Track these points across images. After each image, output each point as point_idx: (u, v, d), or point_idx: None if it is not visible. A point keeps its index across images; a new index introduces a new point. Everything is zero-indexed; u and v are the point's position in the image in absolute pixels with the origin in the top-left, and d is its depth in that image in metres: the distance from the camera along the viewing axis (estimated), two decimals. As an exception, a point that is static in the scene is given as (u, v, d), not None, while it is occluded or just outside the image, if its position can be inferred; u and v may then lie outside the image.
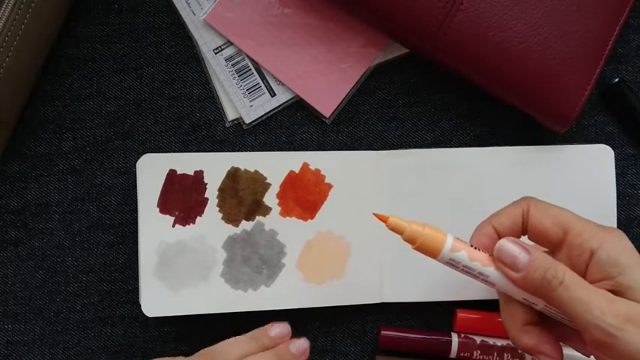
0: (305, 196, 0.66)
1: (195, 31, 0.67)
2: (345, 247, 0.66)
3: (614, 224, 0.66)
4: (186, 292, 0.64)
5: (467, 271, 0.55)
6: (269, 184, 0.66)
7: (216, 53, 0.67)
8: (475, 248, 0.55)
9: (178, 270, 0.65)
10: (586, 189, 0.66)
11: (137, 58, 0.68)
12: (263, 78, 0.67)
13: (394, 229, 0.55)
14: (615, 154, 0.66)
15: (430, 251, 0.55)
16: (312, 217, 0.66)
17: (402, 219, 0.55)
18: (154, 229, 0.65)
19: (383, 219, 0.56)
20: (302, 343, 0.60)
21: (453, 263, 0.55)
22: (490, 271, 0.54)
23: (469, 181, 0.66)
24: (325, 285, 0.65)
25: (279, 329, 0.60)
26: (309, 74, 0.67)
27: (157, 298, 0.64)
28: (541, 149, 0.66)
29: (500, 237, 0.56)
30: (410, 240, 0.55)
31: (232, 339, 0.59)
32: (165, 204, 0.65)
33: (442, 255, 0.54)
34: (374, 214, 0.56)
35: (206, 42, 0.67)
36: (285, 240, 0.65)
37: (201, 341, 0.66)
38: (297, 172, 0.66)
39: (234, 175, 0.65)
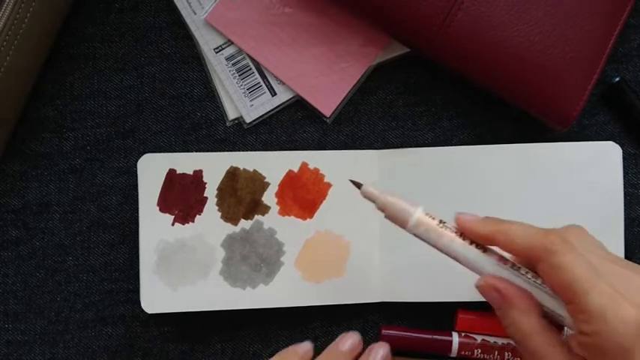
0: (304, 195, 0.66)
1: (195, 30, 0.67)
2: (344, 246, 0.66)
3: (621, 222, 0.65)
4: (186, 289, 0.65)
5: (434, 244, 0.55)
6: (268, 184, 0.66)
7: (216, 52, 0.67)
8: (442, 226, 0.54)
9: (178, 268, 0.65)
10: (592, 187, 0.65)
11: (138, 58, 0.68)
12: (263, 77, 0.68)
13: (367, 197, 0.56)
14: (616, 153, 0.66)
15: (399, 222, 0.55)
16: (310, 216, 0.66)
17: (375, 188, 0.56)
18: (154, 227, 0.65)
19: (357, 185, 0.57)
20: (378, 352, 0.58)
21: (421, 237, 0.55)
22: (457, 246, 0.54)
23: (471, 179, 0.66)
24: (324, 284, 0.66)
25: (348, 342, 0.58)
26: (310, 73, 0.67)
27: (157, 295, 0.65)
28: (546, 146, 0.66)
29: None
30: (381, 209, 0.55)
31: None
32: (165, 203, 0.65)
33: (409, 227, 0.54)
34: (349, 180, 0.57)
35: (207, 41, 0.67)
36: (283, 239, 0.66)
37: (201, 341, 0.67)
38: (295, 171, 0.66)
39: (233, 174, 0.66)
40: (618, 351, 0.46)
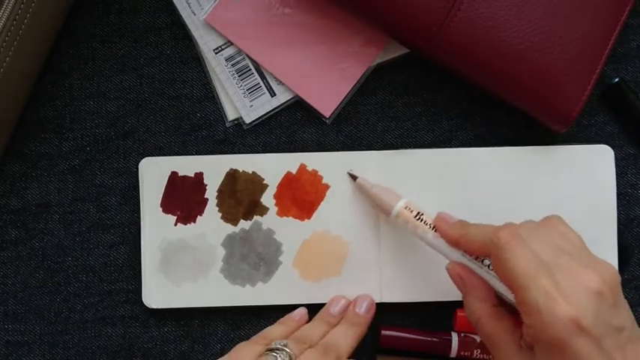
0: (302, 196, 0.66)
1: (195, 31, 0.67)
2: (342, 247, 0.66)
3: (614, 224, 0.66)
4: (187, 286, 0.66)
5: (411, 233, 0.62)
6: (266, 185, 0.66)
7: (216, 53, 0.67)
8: (420, 218, 0.61)
9: (180, 266, 0.66)
10: (586, 189, 0.66)
11: (137, 58, 0.68)
12: (263, 78, 0.68)
13: (360, 189, 0.66)
14: (615, 154, 0.66)
15: (384, 212, 0.64)
16: (309, 217, 0.66)
17: (369, 181, 0.65)
18: (157, 227, 0.66)
19: (353, 177, 0.66)
20: (364, 302, 0.65)
21: (401, 226, 0.63)
22: (430, 238, 0.61)
23: (469, 181, 0.66)
24: (322, 283, 0.66)
25: (338, 305, 0.65)
26: (310, 74, 0.67)
27: (159, 292, 0.66)
28: (541, 149, 0.66)
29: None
30: (371, 199, 0.65)
31: (304, 327, 0.63)
32: (168, 204, 0.66)
33: (391, 217, 0.63)
34: (347, 172, 0.66)
35: (206, 42, 0.67)
36: (281, 239, 0.66)
37: (201, 341, 0.67)
38: (294, 173, 0.66)
39: (232, 176, 0.66)
40: (554, 343, 0.49)
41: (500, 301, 0.57)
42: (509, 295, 0.55)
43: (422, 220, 0.61)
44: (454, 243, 0.59)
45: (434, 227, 0.61)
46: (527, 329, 0.51)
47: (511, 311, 0.56)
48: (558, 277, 0.50)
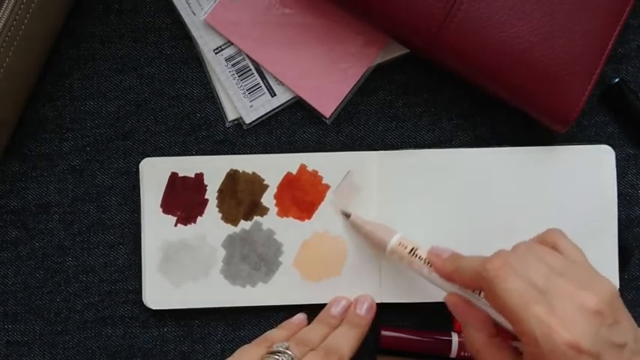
0: (302, 196, 0.66)
1: (195, 31, 0.67)
2: (342, 247, 0.66)
3: (615, 225, 0.66)
4: (188, 287, 0.66)
5: (407, 268, 0.63)
6: (266, 186, 0.66)
7: (216, 53, 0.67)
8: (414, 254, 0.61)
9: (180, 266, 0.66)
10: (587, 189, 0.66)
11: (137, 58, 0.68)
12: (263, 78, 0.68)
13: (353, 227, 0.66)
14: (615, 154, 0.66)
15: (379, 249, 0.64)
16: (309, 218, 0.66)
17: (362, 218, 0.65)
18: (157, 228, 0.66)
19: (347, 215, 0.66)
20: (364, 303, 0.65)
21: (396, 262, 0.64)
22: (425, 273, 0.61)
23: (469, 181, 0.66)
24: (322, 283, 0.66)
25: (339, 306, 0.65)
26: (310, 74, 0.67)
27: (160, 293, 0.66)
28: (541, 150, 0.66)
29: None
30: (364, 236, 0.65)
31: (305, 329, 0.64)
32: (168, 204, 0.66)
33: (386, 255, 0.63)
34: (340, 211, 0.66)
35: (206, 42, 0.67)
36: (282, 239, 0.66)
37: (201, 342, 0.67)
38: (294, 173, 0.66)
39: (232, 176, 0.66)
40: None
41: (500, 330, 0.57)
42: (507, 324, 0.55)
43: (416, 256, 0.61)
44: (448, 278, 0.59)
45: (429, 262, 0.61)
46: (526, 357, 0.51)
47: (512, 338, 0.55)
48: (553, 302, 0.50)
